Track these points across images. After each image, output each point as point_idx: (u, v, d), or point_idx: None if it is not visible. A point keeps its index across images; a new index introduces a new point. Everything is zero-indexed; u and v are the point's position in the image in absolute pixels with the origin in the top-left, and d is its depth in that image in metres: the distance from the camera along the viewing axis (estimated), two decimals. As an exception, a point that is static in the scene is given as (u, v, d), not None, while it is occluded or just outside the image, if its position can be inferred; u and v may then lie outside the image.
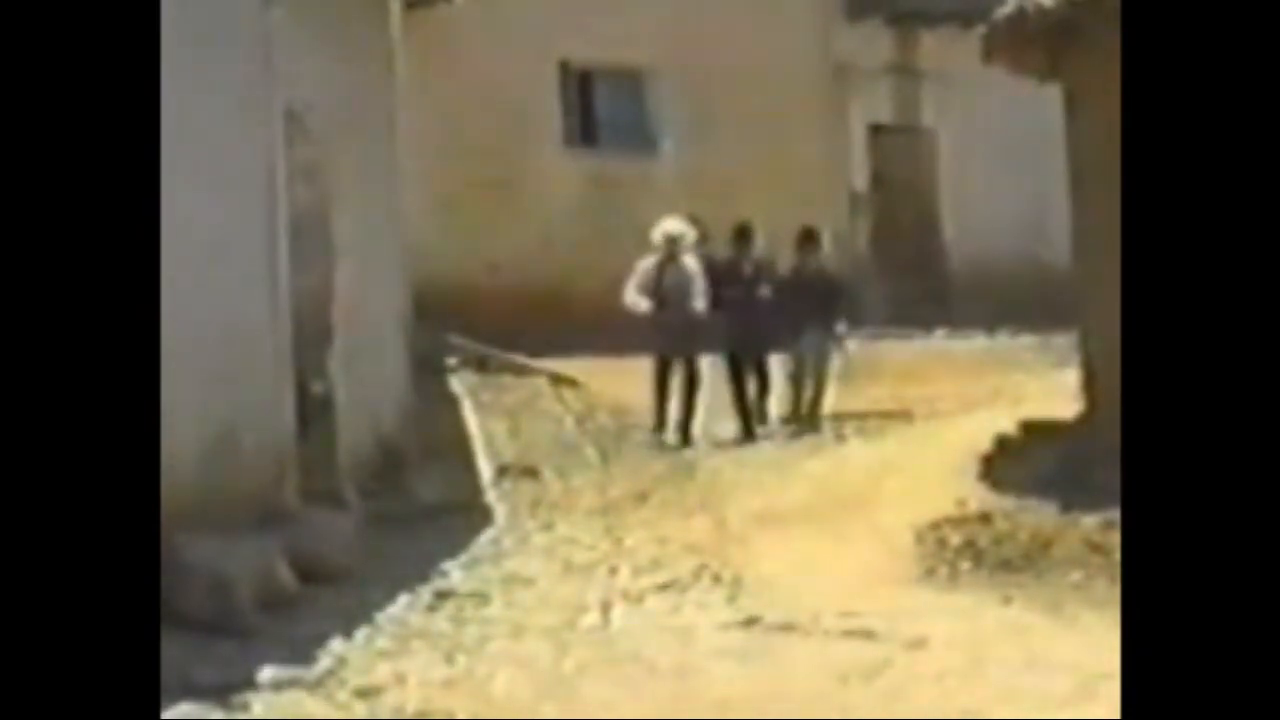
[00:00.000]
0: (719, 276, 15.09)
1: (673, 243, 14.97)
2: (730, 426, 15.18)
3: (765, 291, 15.25)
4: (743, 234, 15.58)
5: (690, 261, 14.99)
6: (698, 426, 14.96)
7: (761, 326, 15.24)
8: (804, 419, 15.29)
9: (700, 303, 14.91)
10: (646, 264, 15.03)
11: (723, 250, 15.55)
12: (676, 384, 14.97)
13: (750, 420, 15.27)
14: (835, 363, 15.59)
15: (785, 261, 15.69)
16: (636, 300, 14.94)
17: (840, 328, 15.53)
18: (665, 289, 14.90)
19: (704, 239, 15.31)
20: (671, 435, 14.81)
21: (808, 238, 15.76)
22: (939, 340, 18.84)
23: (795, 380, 15.45)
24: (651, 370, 14.91)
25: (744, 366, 15.32)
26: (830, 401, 15.62)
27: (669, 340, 14.94)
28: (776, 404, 15.65)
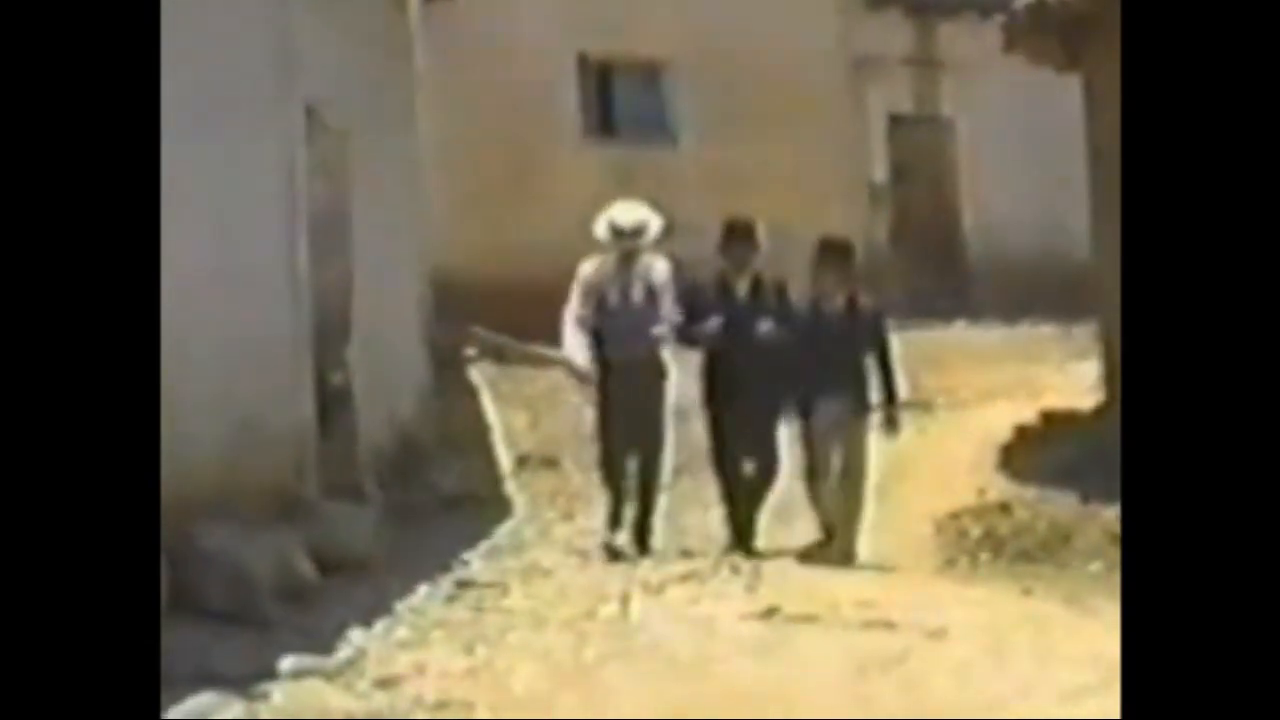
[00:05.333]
0: (697, 303, 10.15)
1: (625, 238, 10.19)
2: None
3: (766, 327, 9.99)
4: (737, 234, 10.24)
5: (657, 266, 10.26)
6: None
7: (757, 386, 9.95)
8: (834, 548, 9.84)
9: (663, 328, 10.10)
10: (588, 272, 10.30)
11: (710, 261, 10.43)
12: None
13: (745, 535, 10.17)
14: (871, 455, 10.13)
15: (795, 285, 10.36)
16: (576, 345, 10.23)
17: (882, 394, 10.12)
18: (614, 311, 10.17)
19: (670, 230, 10.54)
20: (621, 539, 10.07)
21: (833, 251, 10.18)
22: (959, 331, 18.82)
23: (812, 484, 10.03)
24: (597, 455, 10.44)
25: (733, 451, 10.16)
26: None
27: (621, 396, 10.08)
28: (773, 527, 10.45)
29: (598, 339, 10.17)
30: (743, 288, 10.19)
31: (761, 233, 10.30)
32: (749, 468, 10.13)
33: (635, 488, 10.17)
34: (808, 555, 9.78)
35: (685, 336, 10.12)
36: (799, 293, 10.27)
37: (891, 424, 10.14)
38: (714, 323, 9.99)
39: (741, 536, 10.11)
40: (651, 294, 10.14)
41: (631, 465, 10.17)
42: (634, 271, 10.18)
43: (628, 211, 10.31)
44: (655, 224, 10.27)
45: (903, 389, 10.36)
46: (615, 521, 10.13)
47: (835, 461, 9.89)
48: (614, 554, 9.86)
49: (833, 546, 9.80)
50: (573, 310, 10.27)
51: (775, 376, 9.96)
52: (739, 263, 10.18)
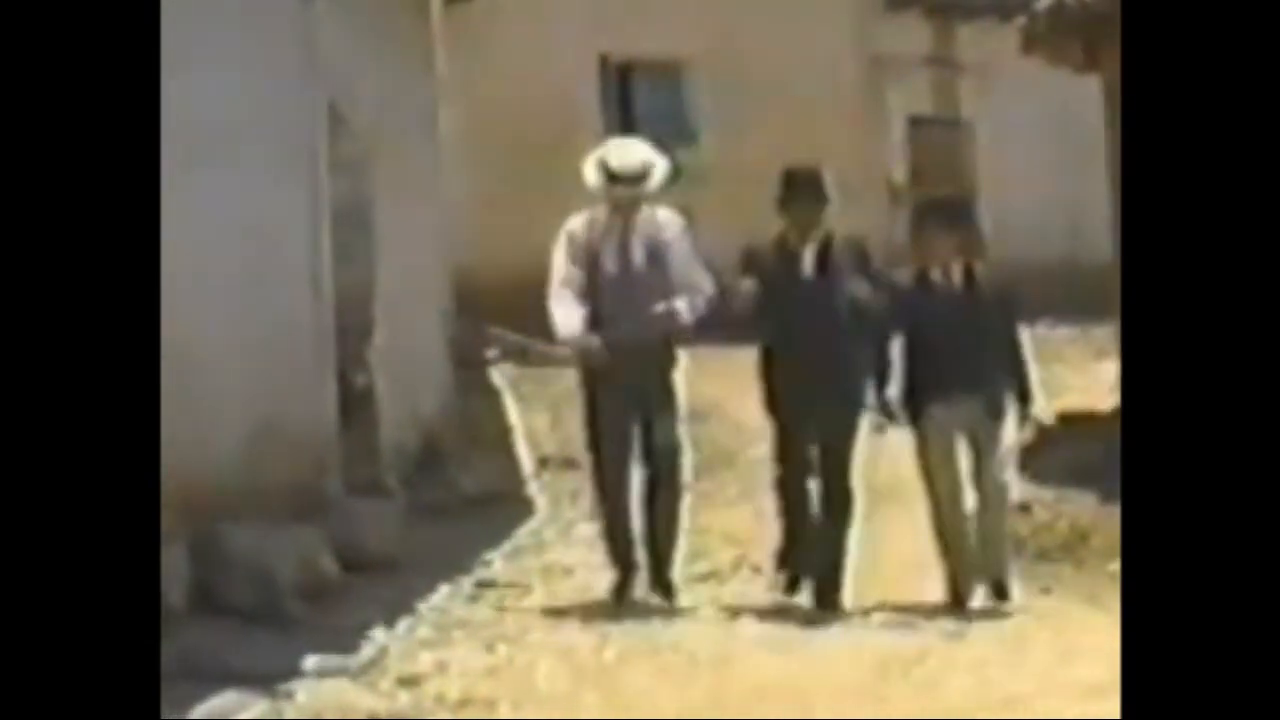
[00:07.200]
0: (752, 274, 8.15)
1: (623, 184, 8.16)
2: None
3: (852, 294, 8.18)
4: (799, 184, 8.27)
5: (664, 218, 8.30)
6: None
7: (832, 385, 8.11)
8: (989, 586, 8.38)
9: (684, 309, 8.17)
10: (576, 229, 8.34)
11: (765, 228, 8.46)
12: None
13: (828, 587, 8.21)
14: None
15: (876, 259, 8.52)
16: (566, 313, 8.16)
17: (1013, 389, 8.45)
18: (610, 279, 8.21)
19: (679, 174, 8.95)
20: (638, 586, 8.31)
21: (943, 210, 9.19)
22: (978, 332, 18.75)
23: (937, 511, 8.45)
24: (592, 467, 8.55)
25: (804, 471, 8.29)
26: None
27: (619, 389, 8.09)
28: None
29: (592, 318, 8.12)
30: (809, 257, 8.18)
31: (829, 182, 8.35)
32: (819, 495, 8.32)
33: (642, 515, 8.34)
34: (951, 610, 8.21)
35: (713, 311, 8.24)
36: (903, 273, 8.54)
37: (1028, 424, 8.68)
38: (746, 285, 8.11)
39: (823, 590, 8.26)
40: (656, 256, 8.18)
41: (634, 480, 8.35)
42: (634, 227, 8.17)
43: (626, 151, 8.31)
44: (661, 166, 8.23)
45: (1036, 382, 8.64)
46: (623, 565, 8.36)
47: (958, 479, 8.38)
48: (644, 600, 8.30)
49: (965, 588, 8.28)
50: (557, 279, 8.21)
51: (859, 370, 8.20)
52: (804, 222, 8.15)
